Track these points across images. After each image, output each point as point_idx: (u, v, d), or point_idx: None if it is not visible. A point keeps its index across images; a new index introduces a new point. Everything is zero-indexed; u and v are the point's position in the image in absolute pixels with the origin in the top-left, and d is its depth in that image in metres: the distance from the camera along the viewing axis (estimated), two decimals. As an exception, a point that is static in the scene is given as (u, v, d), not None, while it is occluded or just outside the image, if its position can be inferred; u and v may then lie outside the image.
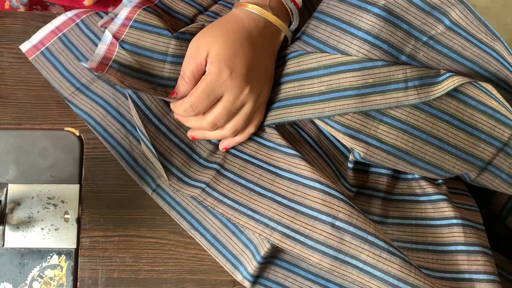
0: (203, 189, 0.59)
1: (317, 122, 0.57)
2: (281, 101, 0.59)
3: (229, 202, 0.58)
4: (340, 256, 0.53)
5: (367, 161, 0.56)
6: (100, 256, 0.62)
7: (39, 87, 0.64)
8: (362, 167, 0.60)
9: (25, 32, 0.65)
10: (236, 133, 0.59)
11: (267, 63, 0.59)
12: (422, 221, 0.58)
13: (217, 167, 0.61)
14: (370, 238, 0.52)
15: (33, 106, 0.64)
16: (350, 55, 0.55)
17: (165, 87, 0.60)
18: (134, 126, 0.62)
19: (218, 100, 0.56)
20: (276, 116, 0.59)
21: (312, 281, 0.58)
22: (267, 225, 0.56)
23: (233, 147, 0.62)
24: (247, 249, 0.59)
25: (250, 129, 0.60)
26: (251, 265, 0.58)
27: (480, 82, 0.54)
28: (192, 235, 0.61)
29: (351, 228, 0.53)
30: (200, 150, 0.63)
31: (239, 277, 0.59)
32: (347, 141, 0.55)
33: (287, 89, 0.59)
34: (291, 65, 0.59)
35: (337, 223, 0.53)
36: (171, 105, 0.59)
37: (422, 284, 0.51)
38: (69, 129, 0.64)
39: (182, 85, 0.57)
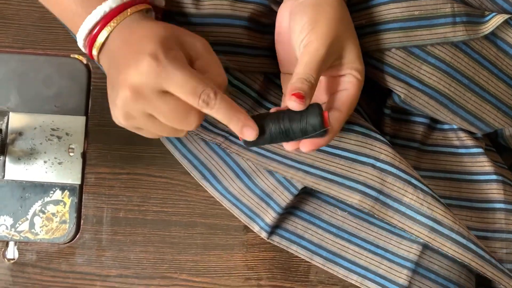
0: (226, 137, 0.54)
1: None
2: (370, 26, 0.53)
3: (255, 148, 0.53)
4: (381, 197, 0.50)
5: (406, 105, 0.51)
6: (105, 194, 0.58)
7: (44, 8, 0.59)
8: (396, 115, 0.55)
9: None
10: None
11: None
12: (457, 175, 0.53)
13: None
14: (414, 181, 0.49)
15: (37, 29, 0.59)
16: None
17: None
18: None
19: None
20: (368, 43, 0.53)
21: (334, 234, 0.54)
22: (299, 169, 0.52)
23: (258, 95, 0.56)
24: (262, 202, 0.54)
25: None
26: (269, 216, 0.54)
27: None
28: (203, 185, 0.57)
29: (393, 170, 0.49)
30: None
31: (255, 228, 0.55)
32: (388, 82, 0.50)
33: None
34: None
35: (379, 164, 0.49)
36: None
37: (467, 234, 0.48)
38: (76, 56, 0.59)
39: (310, 91, 0.43)
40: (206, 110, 0.41)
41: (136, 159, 0.58)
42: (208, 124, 0.55)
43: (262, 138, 0.43)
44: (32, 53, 0.58)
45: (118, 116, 0.42)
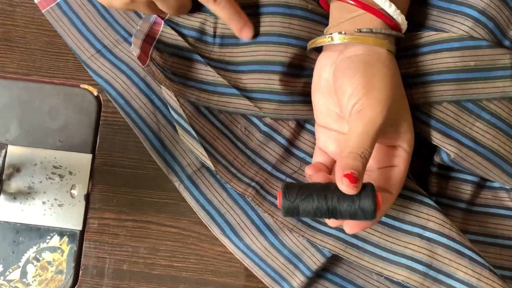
0: (257, 191, 0.49)
1: None
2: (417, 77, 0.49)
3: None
4: (431, 272, 0.44)
5: (456, 165, 0.45)
6: (109, 243, 0.51)
7: (54, 33, 0.54)
8: (443, 172, 0.49)
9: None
10: None
11: None
12: (509, 241, 0.47)
13: (269, 167, 0.50)
14: (467, 252, 0.43)
15: (45, 54, 0.53)
16: (447, 32, 0.44)
17: (214, 68, 0.50)
18: (164, 102, 0.51)
19: None
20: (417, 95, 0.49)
21: None
22: (339, 238, 0.46)
23: (289, 143, 0.51)
24: (289, 263, 0.48)
25: None
26: (296, 280, 0.48)
27: None
28: (222, 241, 0.50)
29: (443, 239, 0.44)
30: (246, 138, 0.51)
31: None
32: (436, 138, 0.45)
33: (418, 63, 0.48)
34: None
35: (427, 233, 0.44)
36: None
37: None
38: (86, 86, 0.53)
39: (363, 169, 0.38)
40: (211, 5, 0.47)
41: (145, 204, 0.52)
42: (237, 171, 0.49)
43: (305, 212, 0.38)
44: (37, 81, 0.53)
45: None
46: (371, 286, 0.49)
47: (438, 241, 0.44)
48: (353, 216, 0.38)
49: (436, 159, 0.47)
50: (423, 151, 0.48)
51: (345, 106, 0.41)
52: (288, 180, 0.50)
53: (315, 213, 0.39)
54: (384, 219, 0.46)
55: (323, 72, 0.45)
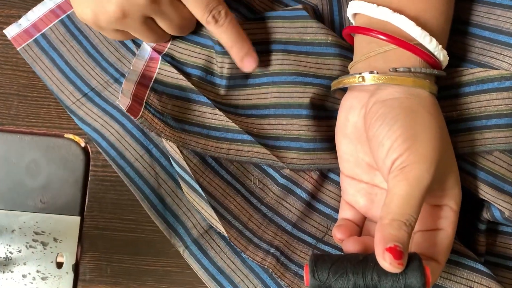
0: (277, 259, 0.42)
1: None
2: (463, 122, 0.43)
3: None
4: None
5: (510, 223, 0.39)
6: (103, 321, 0.44)
7: (32, 74, 0.46)
8: (490, 226, 0.43)
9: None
10: None
11: None
12: None
13: (289, 226, 0.43)
14: None
15: (22, 100, 0.46)
16: (497, 69, 0.38)
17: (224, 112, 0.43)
18: (164, 152, 0.44)
19: None
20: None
21: None
22: None
23: (311, 197, 0.44)
24: None
25: None
26: None
27: None
28: None
29: None
30: (261, 193, 0.44)
31: None
32: (487, 193, 0.39)
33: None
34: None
35: None
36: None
37: None
38: (71, 136, 0.46)
39: (408, 240, 0.32)
40: (212, 27, 0.41)
41: (144, 274, 0.44)
42: (252, 235, 0.42)
43: None
44: (14, 131, 0.45)
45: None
46: None
47: None
48: None
49: (486, 216, 0.40)
50: (468, 206, 0.42)
51: (382, 161, 0.34)
52: (312, 242, 0.43)
53: None
54: None
55: (351, 115, 0.38)
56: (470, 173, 0.39)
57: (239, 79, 0.44)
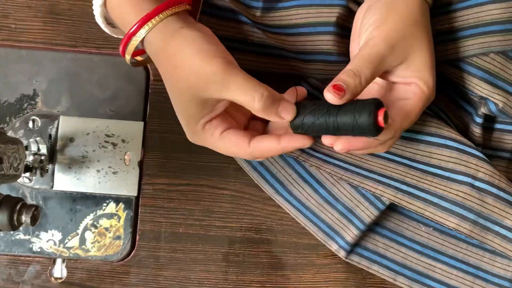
0: (302, 150, 0.50)
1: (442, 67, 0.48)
2: (456, 32, 0.49)
3: (336, 161, 0.49)
4: (480, 220, 0.46)
5: (503, 115, 0.47)
6: (164, 207, 0.53)
7: (99, 4, 0.54)
8: (487, 124, 0.51)
9: None
10: None
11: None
12: None
13: None
14: None
15: (92, 25, 0.54)
16: None
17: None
18: None
19: None
20: (451, 51, 0.49)
21: (419, 252, 0.50)
22: (388, 185, 0.48)
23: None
24: (343, 218, 0.50)
25: None
26: (350, 234, 0.50)
27: None
28: (276, 200, 0.52)
29: (493, 189, 0.45)
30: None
31: (333, 247, 0.51)
32: (483, 88, 0.46)
33: (463, 16, 0.48)
34: None
35: (477, 183, 0.46)
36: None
37: None
38: (133, 56, 0.54)
39: (354, 86, 0.39)
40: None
41: (198, 169, 0.53)
42: None
43: (309, 127, 0.40)
44: (86, 52, 0.54)
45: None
46: (419, 237, 0.51)
47: (488, 191, 0.46)
48: (352, 131, 0.38)
49: (483, 109, 0.48)
50: (464, 103, 0.50)
51: (362, 43, 0.42)
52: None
53: (319, 127, 0.39)
54: (433, 169, 0.47)
55: (357, 21, 0.46)
56: (471, 72, 0.47)
57: (273, 2, 0.52)
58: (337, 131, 0.39)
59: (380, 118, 0.37)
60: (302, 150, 0.50)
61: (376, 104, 0.37)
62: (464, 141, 0.48)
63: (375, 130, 0.37)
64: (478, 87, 0.47)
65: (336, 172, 0.49)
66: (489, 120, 0.51)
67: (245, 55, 0.51)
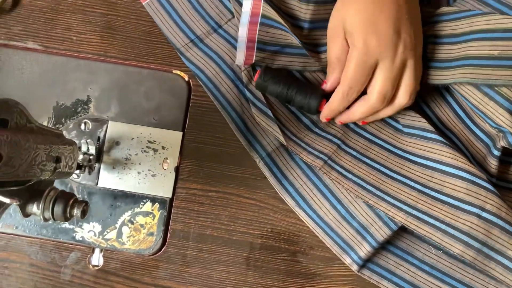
0: (325, 161, 0.55)
1: (468, 92, 0.50)
2: (440, 62, 0.53)
3: (354, 178, 0.54)
4: (485, 249, 0.49)
5: None
6: (194, 210, 0.58)
7: (151, 23, 0.60)
8: (506, 158, 0.54)
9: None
10: (411, 97, 0.51)
11: (413, 10, 0.50)
12: None
13: (338, 141, 0.56)
14: None
15: (143, 42, 0.60)
16: None
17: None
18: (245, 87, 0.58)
19: (374, 70, 0.50)
20: (433, 77, 0.53)
21: (427, 272, 0.54)
22: (400, 208, 0.52)
23: (353, 123, 0.57)
24: (358, 234, 0.54)
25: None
26: (363, 250, 0.54)
27: None
28: (296, 212, 0.57)
29: (500, 222, 0.48)
30: (317, 119, 0.58)
31: (347, 260, 0.55)
32: (506, 119, 0.48)
33: (450, 50, 0.52)
34: (461, 25, 0.51)
35: (484, 214, 0.49)
36: (326, 109, 0.54)
37: None
38: (178, 72, 0.60)
39: (330, 72, 0.53)
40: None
41: (227, 178, 0.58)
42: (307, 145, 0.55)
43: (270, 92, 0.55)
44: (136, 65, 0.60)
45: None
46: (429, 259, 0.55)
47: (495, 223, 0.49)
48: (300, 107, 0.55)
49: (502, 143, 0.50)
50: (476, 136, 0.54)
51: None
52: (357, 155, 0.56)
53: (277, 95, 0.55)
54: (444, 197, 0.51)
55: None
56: (497, 101, 0.48)
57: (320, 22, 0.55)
58: (289, 102, 0.55)
59: (322, 105, 0.54)
60: (324, 161, 0.54)
61: (322, 95, 0.54)
62: (477, 173, 0.50)
63: (317, 112, 0.55)
64: (501, 117, 0.49)
65: (354, 189, 0.53)
66: (507, 154, 0.54)
67: (282, 56, 0.56)
